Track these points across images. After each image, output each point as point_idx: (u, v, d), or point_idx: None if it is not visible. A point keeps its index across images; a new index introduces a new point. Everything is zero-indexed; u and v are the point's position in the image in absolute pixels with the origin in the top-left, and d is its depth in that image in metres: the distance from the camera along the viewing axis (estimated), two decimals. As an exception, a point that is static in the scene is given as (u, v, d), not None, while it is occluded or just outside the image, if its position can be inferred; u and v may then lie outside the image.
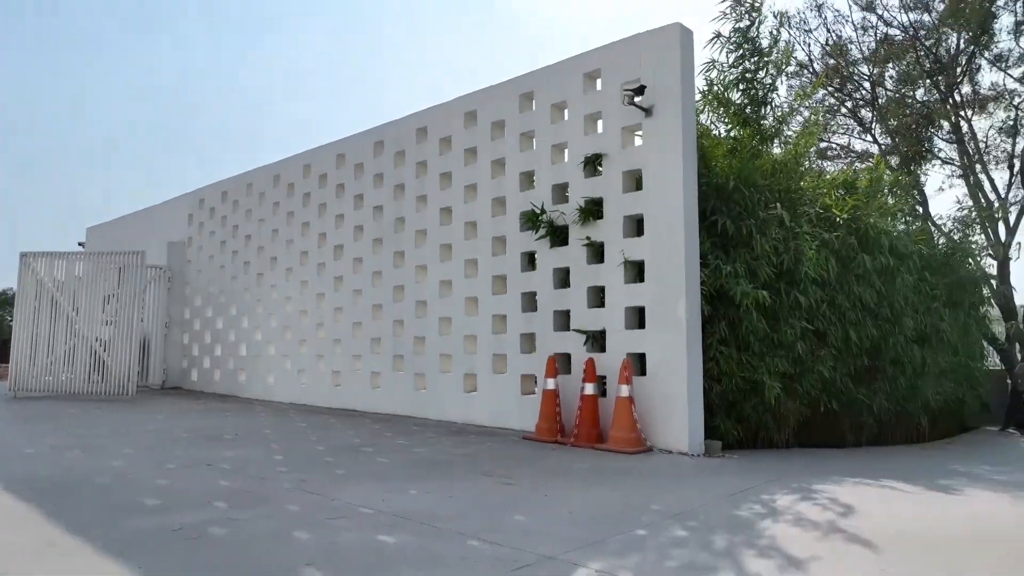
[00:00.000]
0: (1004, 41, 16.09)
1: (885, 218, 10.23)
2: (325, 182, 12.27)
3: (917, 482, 6.26)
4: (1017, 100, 16.12)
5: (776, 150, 9.98)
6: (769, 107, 9.41)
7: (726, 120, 9.35)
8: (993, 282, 15.32)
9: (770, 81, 9.26)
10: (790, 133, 10.43)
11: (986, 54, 16.30)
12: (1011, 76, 16.15)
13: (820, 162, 17.04)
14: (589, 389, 7.57)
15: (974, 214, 14.40)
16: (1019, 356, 16.16)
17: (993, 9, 15.15)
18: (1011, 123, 16.26)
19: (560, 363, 8.32)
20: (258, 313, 13.50)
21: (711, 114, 9.43)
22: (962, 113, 16.42)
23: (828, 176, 10.63)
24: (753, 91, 9.29)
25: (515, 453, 7.09)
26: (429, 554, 3.57)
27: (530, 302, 8.93)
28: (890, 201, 11.40)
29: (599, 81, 8.47)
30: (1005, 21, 15.69)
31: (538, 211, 8.68)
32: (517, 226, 9.08)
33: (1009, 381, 15.09)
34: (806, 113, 11.95)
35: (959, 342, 12.64)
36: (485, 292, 9.41)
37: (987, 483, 6.54)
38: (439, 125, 10.32)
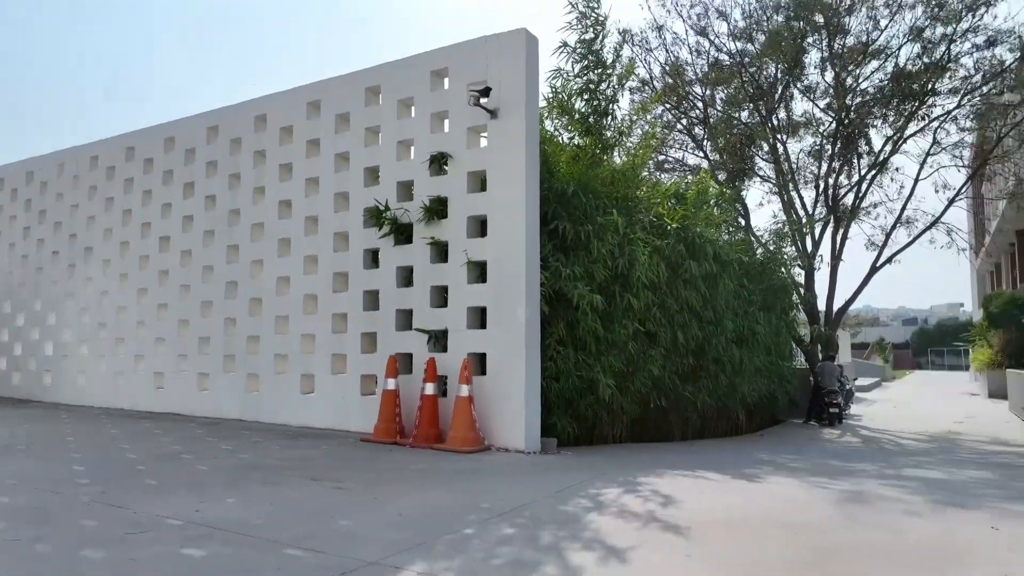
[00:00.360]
0: (813, 74, 18.01)
1: (711, 228, 11.05)
2: (151, 167, 11.28)
3: (728, 471, 6.78)
4: (822, 128, 18.10)
5: (617, 160, 10.49)
6: (611, 118, 9.84)
7: (570, 128, 9.68)
8: (801, 289, 17.04)
9: (612, 93, 9.69)
10: (630, 144, 11.00)
11: (798, 85, 18.14)
12: (818, 106, 18.11)
13: (657, 173, 18.15)
14: (429, 389, 7.51)
15: (787, 228, 15.94)
16: (820, 356, 18.08)
17: (804, 45, 16.90)
18: (817, 148, 18.22)
19: (401, 363, 8.19)
20: (68, 309, 12.15)
21: (555, 121, 9.72)
22: (779, 136, 18.16)
23: (662, 187, 11.32)
24: (596, 102, 9.67)
25: (350, 456, 6.87)
26: (242, 566, 3.34)
27: (372, 301, 8.72)
28: (716, 212, 12.34)
29: (446, 80, 8.45)
30: (814, 57, 17.54)
31: (382, 208, 8.50)
32: (360, 222, 8.84)
33: (812, 378, 16.86)
34: (646, 127, 12.66)
35: (772, 343, 13.94)
36: (325, 290, 9.07)
37: (785, 470, 7.21)
38: (280, 114, 9.82)
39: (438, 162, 8.29)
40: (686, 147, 19.07)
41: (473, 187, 8.10)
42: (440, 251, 8.27)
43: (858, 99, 17.40)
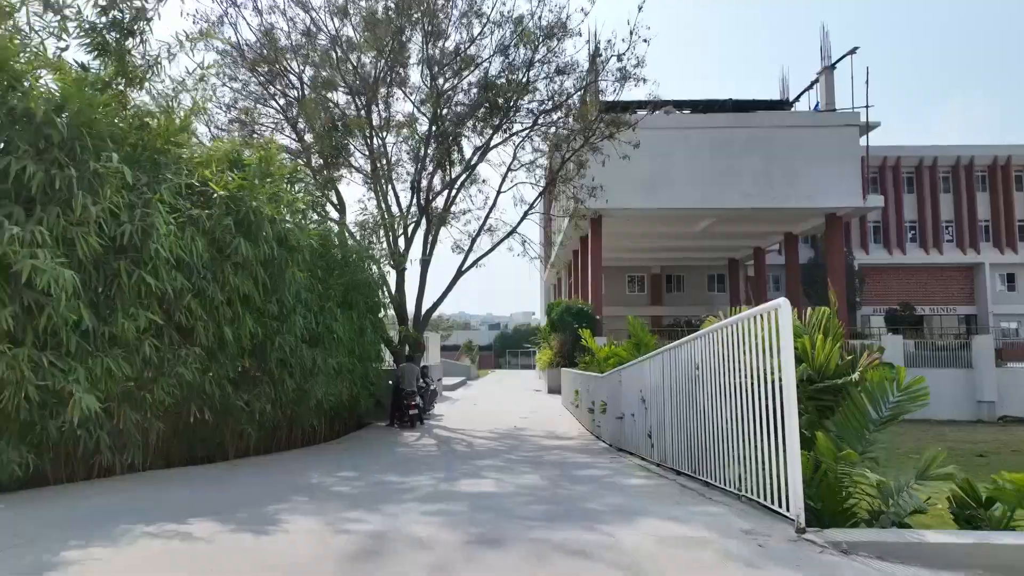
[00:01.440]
0: (414, 74, 17.64)
1: (278, 206, 9.16)
2: None
3: (241, 514, 4.90)
4: (422, 129, 17.79)
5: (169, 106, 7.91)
6: (140, 41, 7.27)
7: (62, 34, 6.78)
8: (391, 288, 16.32)
9: (142, 5, 7.15)
10: (181, 89, 8.50)
11: (402, 87, 17.58)
12: (418, 108, 17.77)
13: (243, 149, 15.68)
14: None
15: (378, 220, 14.97)
16: (407, 357, 17.67)
17: (405, 42, 16.31)
18: (415, 148, 17.84)
19: None
20: None
21: (42, 18, 6.74)
22: (378, 132, 17.28)
23: (212, 146, 8.99)
24: (120, 14, 7.03)
25: None
26: None
27: None
28: (295, 192, 10.52)
29: None
30: (415, 57, 17.07)
31: None
32: None
33: (392, 381, 16.25)
34: (210, 80, 10.18)
35: (355, 343, 12.72)
36: None
37: (320, 501, 5.65)
38: None
39: None
40: (280, 126, 16.95)
41: None
42: None
43: (455, 108, 17.50)
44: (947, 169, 42.34)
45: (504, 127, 17.06)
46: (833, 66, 30.18)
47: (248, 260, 7.98)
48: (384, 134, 17.46)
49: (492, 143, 17.39)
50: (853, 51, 29.09)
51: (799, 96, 33.19)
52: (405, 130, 18.08)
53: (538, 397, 25.02)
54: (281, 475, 7.75)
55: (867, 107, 28.41)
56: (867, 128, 28.74)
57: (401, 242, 17.22)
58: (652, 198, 27.93)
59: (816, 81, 31.31)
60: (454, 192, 17.87)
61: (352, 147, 16.24)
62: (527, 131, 17.45)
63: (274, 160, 9.18)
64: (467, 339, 56.49)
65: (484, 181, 19.21)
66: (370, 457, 9.85)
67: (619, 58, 16.12)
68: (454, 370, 33.65)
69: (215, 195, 7.48)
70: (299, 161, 14.05)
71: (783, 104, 33.36)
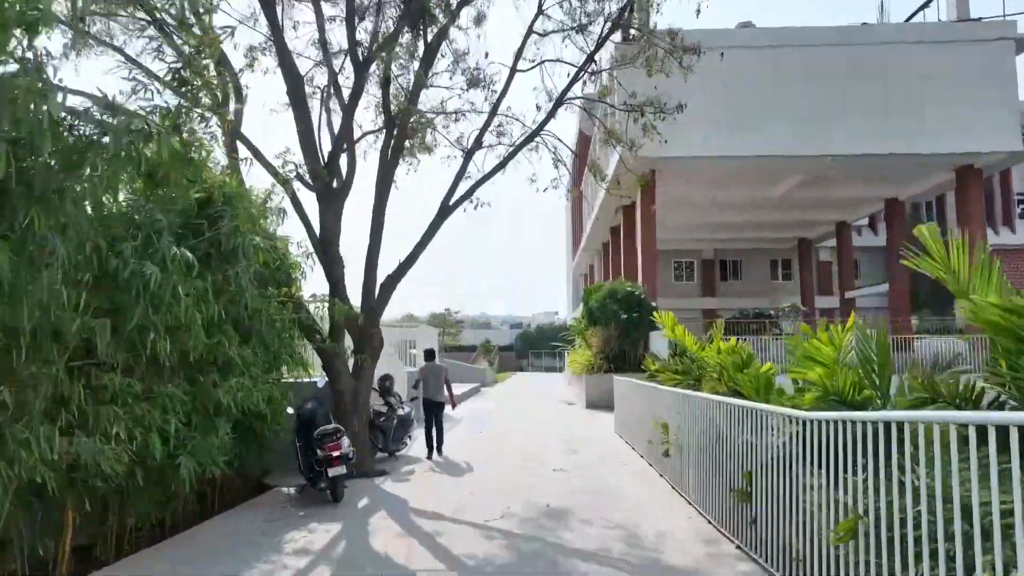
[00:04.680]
0: None
1: None
2: None
3: None
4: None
5: None
6: None
7: None
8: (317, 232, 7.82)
9: None
10: None
11: None
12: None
13: None
14: None
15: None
16: (352, 359, 9.18)
17: None
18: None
19: None
20: None
21: None
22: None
23: None
24: None
25: None
26: None
27: None
28: None
29: None
30: None
31: None
32: None
33: (296, 411, 7.73)
34: None
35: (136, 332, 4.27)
36: None
37: None
38: None
39: None
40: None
41: None
42: None
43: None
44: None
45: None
46: (968, -34, 21.10)
47: None
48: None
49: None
50: (1002, -60, 20.01)
51: (909, 18, 24.12)
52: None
53: (575, 416, 16.19)
54: None
55: (1026, 13, 19.21)
56: (1026, 42, 19.60)
57: (326, 137, 8.72)
58: (726, 143, 19.12)
59: (938, -8, 22.23)
60: (430, 61, 9.28)
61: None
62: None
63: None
64: (484, 339, 47.67)
65: (490, 80, 10.36)
66: None
67: None
68: (463, 375, 24.94)
69: None
70: None
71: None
